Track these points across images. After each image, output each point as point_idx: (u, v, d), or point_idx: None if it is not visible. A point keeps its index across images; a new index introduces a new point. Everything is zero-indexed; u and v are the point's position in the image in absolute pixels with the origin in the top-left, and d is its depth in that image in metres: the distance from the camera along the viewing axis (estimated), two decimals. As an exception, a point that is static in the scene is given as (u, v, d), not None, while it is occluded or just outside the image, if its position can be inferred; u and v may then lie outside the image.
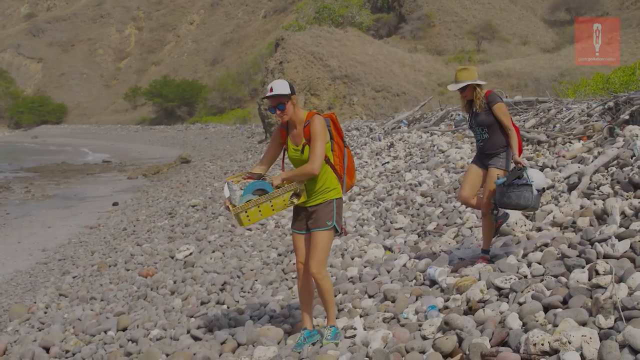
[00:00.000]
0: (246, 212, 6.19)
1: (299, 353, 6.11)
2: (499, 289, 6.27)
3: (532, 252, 7.10)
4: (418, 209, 11.67)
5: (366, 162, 19.59)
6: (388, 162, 18.01)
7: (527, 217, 8.74)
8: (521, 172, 6.91)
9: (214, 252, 12.47)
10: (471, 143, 16.02)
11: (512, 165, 7.16)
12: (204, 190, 24.11)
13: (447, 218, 10.43)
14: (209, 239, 14.06)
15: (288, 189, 6.25)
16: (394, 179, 15.41)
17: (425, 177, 14.01)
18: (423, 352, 5.37)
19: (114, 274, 13.22)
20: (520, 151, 7.30)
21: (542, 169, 11.32)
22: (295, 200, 6.29)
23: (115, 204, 27.39)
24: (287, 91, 6.19)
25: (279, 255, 10.95)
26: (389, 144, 21.33)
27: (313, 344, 6.25)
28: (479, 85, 7.33)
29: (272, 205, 6.27)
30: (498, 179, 7.07)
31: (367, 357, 5.55)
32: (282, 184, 6.32)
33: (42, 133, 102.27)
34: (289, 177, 6.20)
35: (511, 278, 6.29)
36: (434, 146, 17.19)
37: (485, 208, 7.37)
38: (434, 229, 10.07)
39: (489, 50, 53.83)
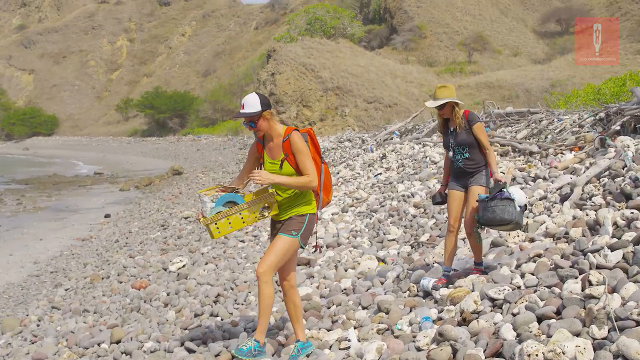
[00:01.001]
0: (216, 223, 6.20)
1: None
2: (492, 299, 6.28)
3: (526, 262, 7.12)
4: (411, 220, 11.70)
5: (359, 174, 19.64)
6: (380, 174, 18.06)
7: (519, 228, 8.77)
8: (502, 186, 6.95)
9: (207, 264, 12.45)
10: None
11: (492, 183, 7.20)
12: (196, 202, 24.07)
13: (440, 229, 10.47)
14: (202, 251, 14.04)
15: (258, 202, 6.26)
16: (387, 190, 15.44)
17: (418, 188, 14.05)
18: (417, 364, 5.39)
19: (106, 286, 13.18)
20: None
21: (534, 179, 11.39)
22: (266, 214, 6.28)
23: (107, 215, 27.31)
24: (257, 109, 6.17)
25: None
26: (381, 155, 21.38)
27: (307, 356, 6.25)
28: (457, 104, 7.36)
29: (242, 218, 6.25)
30: (479, 198, 7.09)
31: (361, 368, 5.56)
32: (264, 189, 6.37)
33: (34, 145, 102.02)
34: (282, 182, 6.09)
35: (505, 289, 6.30)
36: (426, 157, 17.25)
37: (470, 227, 7.34)
38: (427, 240, 10.10)
39: (480, 61, 54.05)
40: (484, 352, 5.17)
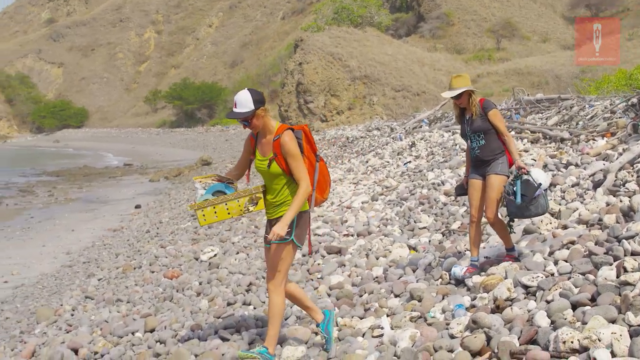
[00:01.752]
0: (202, 210, 6.26)
1: (327, 348, 6.17)
2: (526, 287, 6.26)
3: (559, 250, 7.08)
4: (442, 208, 11.66)
5: (388, 162, 19.60)
6: (410, 162, 18.00)
7: (552, 215, 8.72)
8: (532, 183, 6.92)
9: (238, 253, 12.50)
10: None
11: (514, 172, 7.16)
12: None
13: (471, 217, 10.41)
14: (232, 241, 14.10)
15: (242, 194, 6.27)
16: (417, 178, 15.40)
17: (448, 176, 13.98)
18: (451, 351, 5.37)
19: (139, 276, 13.28)
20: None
21: (566, 166, 11.29)
22: (252, 208, 6.28)
23: (137, 206, 27.54)
24: (250, 108, 6.03)
25: (304, 256, 10.95)
26: (410, 143, 21.32)
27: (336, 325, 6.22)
28: (473, 92, 7.33)
29: (227, 209, 6.28)
30: (507, 192, 7.03)
31: (395, 356, 5.56)
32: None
33: (64, 137, 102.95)
34: (293, 213, 5.99)
35: (538, 276, 6.27)
36: (456, 145, 17.16)
37: (493, 218, 7.30)
38: (459, 227, 10.06)
39: (509, 48, 53.57)
40: (518, 339, 5.16)
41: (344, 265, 9.69)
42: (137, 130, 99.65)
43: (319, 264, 10.07)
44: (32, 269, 17.36)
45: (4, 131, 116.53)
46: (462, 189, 7.79)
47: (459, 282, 7.32)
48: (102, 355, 8.06)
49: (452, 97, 7.37)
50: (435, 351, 5.41)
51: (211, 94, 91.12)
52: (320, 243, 11.45)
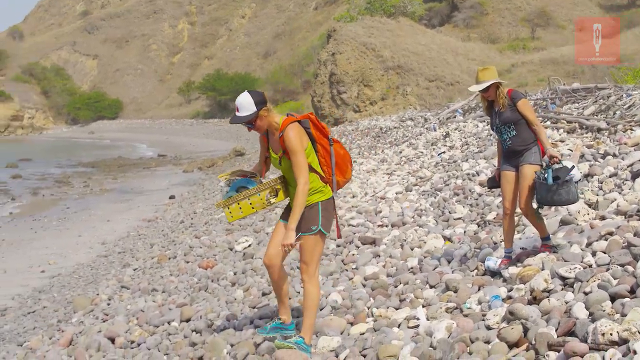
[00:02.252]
0: (228, 208, 6.36)
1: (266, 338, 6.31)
2: (563, 278, 6.20)
3: (597, 241, 7.00)
4: (477, 199, 11.58)
5: (422, 153, 19.52)
6: (444, 152, 17.92)
7: (589, 205, 8.63)
8: (566, 167, 6.84)
9: (272, 243, 12.52)
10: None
11: (546, 161, 7.06)
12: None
13: (506, 207, 10.32)
14: (266, 231, 14.13)
15: (263, 188, 6.35)
16: (451, 168, 15.32)
17: (483, 166, 13.89)
18: (488, 342, 5.35)
19: (173, 266, 13.39)
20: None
21: (603, 156, 11.16)
22: (273, 200, 6.36)
23: (171, 197, 27.77)
24: (252, 110, 6.09)
25: (338, 246, 10.95)
26: (444, 133, 21.22)
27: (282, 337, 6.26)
28: (500, 84, 7.29)
29: (250, 203, 6.37)
30: (538, 177, 6.97)
31: (431, 347, 5.54)
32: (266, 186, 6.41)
33: (99, 128, 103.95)
34: (296, 217, 6.02)
35: (576, 267, 6.20)
36: (490, 135, 17.04)
37: (526, 208, 7.24)
38: (494, 218, 9.99)
39: (544, 37, 52.96)
40: (555, 330, 5.12)
41: (379, 256, 9.68)
42: (170, 121, 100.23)
43: (353, 255, 10.07)
44: (69, 259, 17.58)
45: (40, 123, 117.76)
46: (493, 182, 7.75)
47: (495, 273, 7.28)
48: (138, 344, 8.16)
49: (479, 91, 7.33)
50: (472, 342, 5.39)
51: (244, 85, 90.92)
52: (354, 233, 11.45)
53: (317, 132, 6.29)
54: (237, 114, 6.16)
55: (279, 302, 6.62)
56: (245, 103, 6.10)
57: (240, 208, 6.40)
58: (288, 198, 6.40)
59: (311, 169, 6.17)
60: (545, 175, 6.88)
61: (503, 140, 7.31)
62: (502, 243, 8.11)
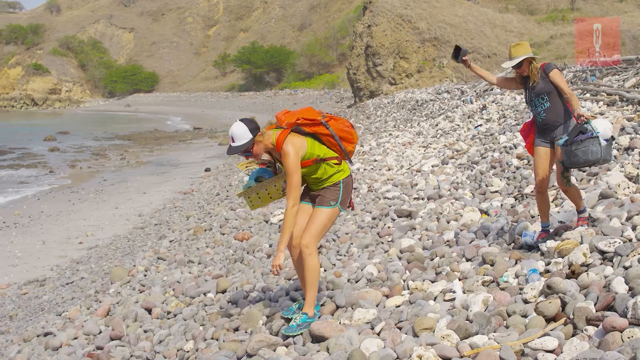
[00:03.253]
0: (249, 197, 6.53)
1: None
2: (602, 252, 6.11)
3: (637, 215, 6.87)
4: (514, 172, 11.45)
5: (458, 125, 19.37)
6: (481, 125, 17.75)
7: (630, 179, 8.49)
8: (584, 127, 6.69)
9: (307, 216, 12.53)
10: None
11: (573, 124, 6.94)
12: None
13: (544, 180, 10.18)
14: (302, 203, 14.14)
15: (277, 179, 6.46)
16: (488, 141, 15.18)
17: (520, 139, 13.72)
18: (525, 316, 5.30)
19: (209, 237, 13.46)
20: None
21: (644, 129, 10.97)
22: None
23: (207, 169, 27.89)
24: (248, 138, 6.10)
25: (374, 219, 10.93)
26: (481, 106, 21.01)
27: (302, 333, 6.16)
28: (534, 59, 7.16)
29: (268, 193, 6.51)
30: (559, 141, 6.87)
31: (467, 320, 5.50)
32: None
33: (135, 101, 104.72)
34: (285, 238, 5.99)
35: (615, 241, 6.10)
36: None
37: (561, 184, 7.17)
38: (532, 191, 9.87)
39: (584, 8, 52.08)
40: (594, 305, 5.04)
41: (415, 229, 9.64)
42: (206, 94, 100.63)
43: (389, 227, 10.03)
44: (106, 231, 17.77)
45: (78, 96, 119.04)
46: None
47: (532, 247, 7.21)
48: (175, 315, 8.23)
49: (512, 67, 7.21)
50: (509, 316, 5.34)
51: (279, 58, 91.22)
52: (390, 206, 11.41)
53: (311, 128, 6.28)
54: (233, 144, 6.16)
55: (302, 283, 6.55)
56: (239, 132, 6.13)
57: (259, 197, 6.58)
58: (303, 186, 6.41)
59: (324, 160, 6.22)
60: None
61: (537, 113, 7.18)
62: (551, 214, 8.02)
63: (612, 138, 6.87)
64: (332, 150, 6.34)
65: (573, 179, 7.27)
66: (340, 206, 6.31)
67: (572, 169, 7.20)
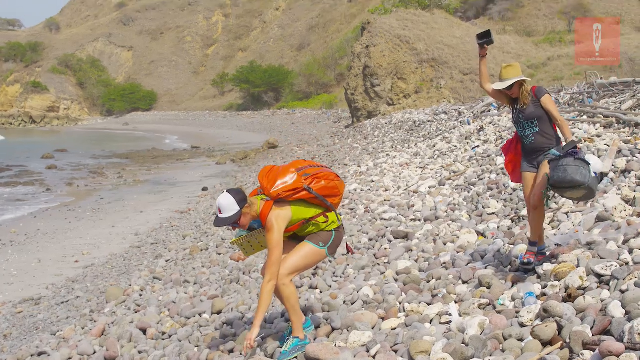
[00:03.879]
0: (242, 246, 6.53)
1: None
2: (599, 275, 6.09)
3: (634, 238, 6.86)
4: (511, 194, 11.45)
5: (455, 147, 19.38)
6: (478, 146, 17.76)
7: (627, 202, 8.48)
8: (576, 143, 6.66)
9: (304, 237, 12.52)
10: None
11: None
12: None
13: (541, 203, 10.17)
14: (298, 224, 14.13)
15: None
16: (485, 163, 15.19)
17: (518, 161, 13.71)
18: (521, 340, 5.27)
19: (206, 257, 13.45)
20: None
21: (641, 152, 10.97)
22: None
23: (204, 189, 27.87)
24: (236, 210, 5.96)
25: (370, 240, 10.92)
26: (478, 127, 21.04)
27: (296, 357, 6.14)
28: (524, 81, 7.11)
29: (259, 242, 6.49)
30: (550, 152, 6.79)
31: (463, 343, 5.47)
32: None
33: (133, 120, 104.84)
34: (258, 318, 5.94)
35: (612, 265, 6.09)
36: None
37: (538, 199, 6.99)
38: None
39: (581, 30, 52.36)
40: (591, 329, 5.02)
41: (411, 250, 9.63)
42: (204, 113, 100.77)
43: (385, 249, 10.03)
44: (102, 249, 17.73)
45: (76, 114, 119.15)
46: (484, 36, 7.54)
47: (528, 270, 7.18)
48: (170, 336, 8.20)
49: (503, 89, 7.15)
50: (505, 339, 5.32)
51: (278, 77, 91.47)
52: (387, 227, 11.41)
53: (294, 197, 6.12)
54: (221, 215, 6.02)
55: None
56: (227, 204, 5.98)
57: (251, 246, 6.57)
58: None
59: (312, 219, 6.20)
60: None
61: (526, 136, 7.16)
62: (547, 237, 8.00)
63: (602, 174, 6.83)
64: (317, 208, 6.26)
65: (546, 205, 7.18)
66: (327, 250, 6.27)
67: (554, 193, 7.15)
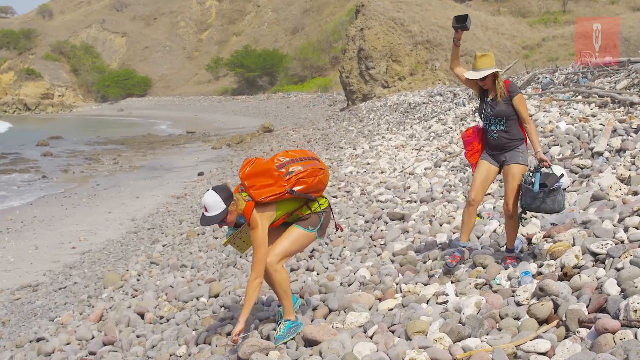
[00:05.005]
0: (235, 243, 6.53)
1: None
2: (595, 254, 6.11)
3: (629, 217, 6.88)
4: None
5: (451, 128, 19.38)
6: (474, 128, 17.73)
7: (622, 181, 8.49)
8: (555, 175, 6.56)
9: (301, 220, 12.53)
10: (545, 109, 15.61)
11: (534, 163, 6.84)
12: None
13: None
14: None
15: None
16: (481, 144, 15.15)
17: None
18: (518, 319, 5.30)
19: (203, 242, 13.46)
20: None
21: (636, 131, 10.99)
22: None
23: (200, 174, 27.85)
24: (222, 207, 5.83)
25: (367, 222, 10.94)
26: (474, 109, 21.02)
27: (294, 339, 6.15)
28: (498, 73, 6.86)
29: (249, 236, 6.29)
30: (525, 181, 6.68)
31: (460, 323, 5.50)
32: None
33: (128, 106, 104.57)
34: (244, 314, 5.89)
35: (608, 243, 6.11)
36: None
37: (512, 210, 6.88)
38: (561, 176, 9.83)
39: (576, 11, 52.16)
40: (587, 307, 5.04)
41: (408, 232, 9.64)
42: (199, 98, 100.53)
43: (382, 231, 10.04)
44: (99, 236, 17.74)
45: (70, 101, 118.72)
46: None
47: (523, 251, 7.20)
48: (167, 320, 8.22)
49: (477, 80, 6.89)
50: (502, 318, 5.35)
51: (273, 62, 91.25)
52: (383, 210, 11.42)
53: (279, 199, 6.02)
54: (207, 214, 5.91)
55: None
56: (213, 203, 5.86)
57: (244, 242, 6.54)
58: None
59: (296, 210, 6.18)
60: (533, 180, 6.62)
61: (491, 131, 6.97)
62: (532, 219, 8.02)
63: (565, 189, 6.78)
64: (301, 201, 6.21)
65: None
66: (317, 233, 6.25)
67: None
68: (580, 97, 16.04)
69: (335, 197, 14.22)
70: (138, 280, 11.54)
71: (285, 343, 6.03)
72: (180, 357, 6.69)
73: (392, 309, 6.43)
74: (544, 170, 6.65)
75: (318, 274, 8.52)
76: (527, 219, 7.37)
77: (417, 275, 7.30)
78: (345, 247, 9.61)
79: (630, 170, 8.92)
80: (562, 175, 6.59)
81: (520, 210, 6.95)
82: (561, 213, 7.17)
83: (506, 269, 6.72)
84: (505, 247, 7.34)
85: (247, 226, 6.20)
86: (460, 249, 7.19)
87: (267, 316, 6.96)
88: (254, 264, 5.90)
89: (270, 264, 6.02)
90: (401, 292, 6.85)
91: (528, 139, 6.93)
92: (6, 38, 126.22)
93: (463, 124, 19.11)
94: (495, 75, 6.85)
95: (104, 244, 16.67)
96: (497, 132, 6.90)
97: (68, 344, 8.47)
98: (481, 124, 7.08)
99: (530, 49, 40.10)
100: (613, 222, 6.92)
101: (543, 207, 6.58)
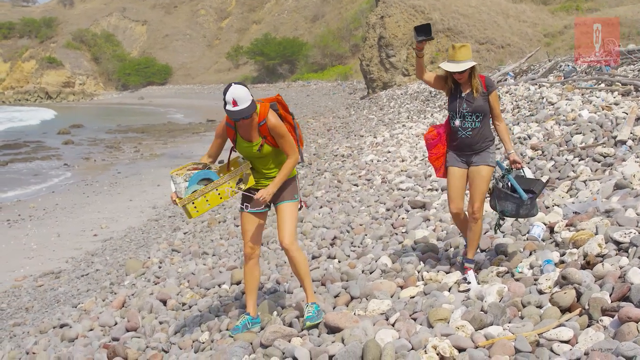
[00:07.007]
0: (193, 203, 6.11)
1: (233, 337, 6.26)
2: (617, 243, 6.09)
3: (653, 205, 6.85)
4: (528, 163, 11.41)
5: (471, 116, 19.28)
6: (495, 116, 17.65)
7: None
8: (539, 180, 6.56)
9: (321, 207, 12.56)
10: (566, 97, 15.50)
11: (505, 165, 6.76)
12: (308, 147, 24.25)
13: (559, 171, 10.16)
14: (315, 195, 14.17)
15: (233, 175, 6.23)
16: (502, 132, 15.08)
17: (535, 130, 13.65)
18: (540, 307, 5.30)
19: (223, 229, 13.50)
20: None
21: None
22: (243, 187, 6.25)
23: (221, 162, 27.84)
24: (250, 99, 5.82)
25: (387, 210, 10.93)
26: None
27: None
28: (475, 66, 6.54)
29: (219, 194, 6.17)
30: (503, 185, 6.57)
31: (482, 311, 5.50)
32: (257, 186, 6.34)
33: (148, 94, 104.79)
34: (281, 180, 6.09)
35: (630, 232, 6.08)
36: (542, 98, 16.75)
37: (479, 213, 6.66)
38: (546, 182, 9.83)
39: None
40: (610, 295, 5.03)
41: (429, 220, 9.64)
42: (219, 86, 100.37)
43: (403, 219, 10.03)
44: (120, 223, 17.84)
45: (91, 89, 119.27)
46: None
47: (544, 239, 7.18)
48: (190, 307, 8.26)
49: (455, 72, 6.50)
50: (524, 306, 5.34)
51: (292, 49, 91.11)
52: (404, 198, 11.42)
53: (283, 112, 6.25)
54: (237, 107, 5.77)
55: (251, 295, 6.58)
56: (242, 94, 5.77)
57: (207, 200, 6.18)
58: (254, 184, 6.33)
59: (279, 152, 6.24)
60: (509, 184, 6.52)
61: (463, 128, 6.58)
62: (555, 207, 7.98)
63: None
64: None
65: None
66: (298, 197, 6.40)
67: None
68: (602, 85, 15.92)
69: (356, 184, 14.23)
70: (159, 267, 11.61)
71: (318, 324, 6.05)
72: (203, 343, 6.72)
73: (413, 297, 6.44)
74: (515, 172, 6.58)
75: (339, 262, 8.53)
76: (501, 225, 7.31)
77: (438, 262, 7.31)
78: (366, 235, 9.62)
79: (653, 159, 8.87)
80: (548, 180, 6.50)
81: (497, 217, 6.95)
82: (583, 202, 7.13)
83: (464, 279, 6.52)
84: (463, 255, 7.01)
85: (218, 182, 6.16)
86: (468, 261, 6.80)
87: (290, 303, 6.99)
88: (291, 148, 6.09)
89: (288, 246, 6.14)
90: (422, 280, 6.86)
91: (499, 138, 6.73)
92: (27, 26, 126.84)
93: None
94: (472, 68, 6.52)
95: (125, 232, 16.77)
96: (472, 130, 6.56)
97: (91, 329, 8.54)
98: (457, 122, 6.62)
99: (552, 37, 39.69)
100: (636, 211, 6.88)
101: (524, 213, 6.53)
